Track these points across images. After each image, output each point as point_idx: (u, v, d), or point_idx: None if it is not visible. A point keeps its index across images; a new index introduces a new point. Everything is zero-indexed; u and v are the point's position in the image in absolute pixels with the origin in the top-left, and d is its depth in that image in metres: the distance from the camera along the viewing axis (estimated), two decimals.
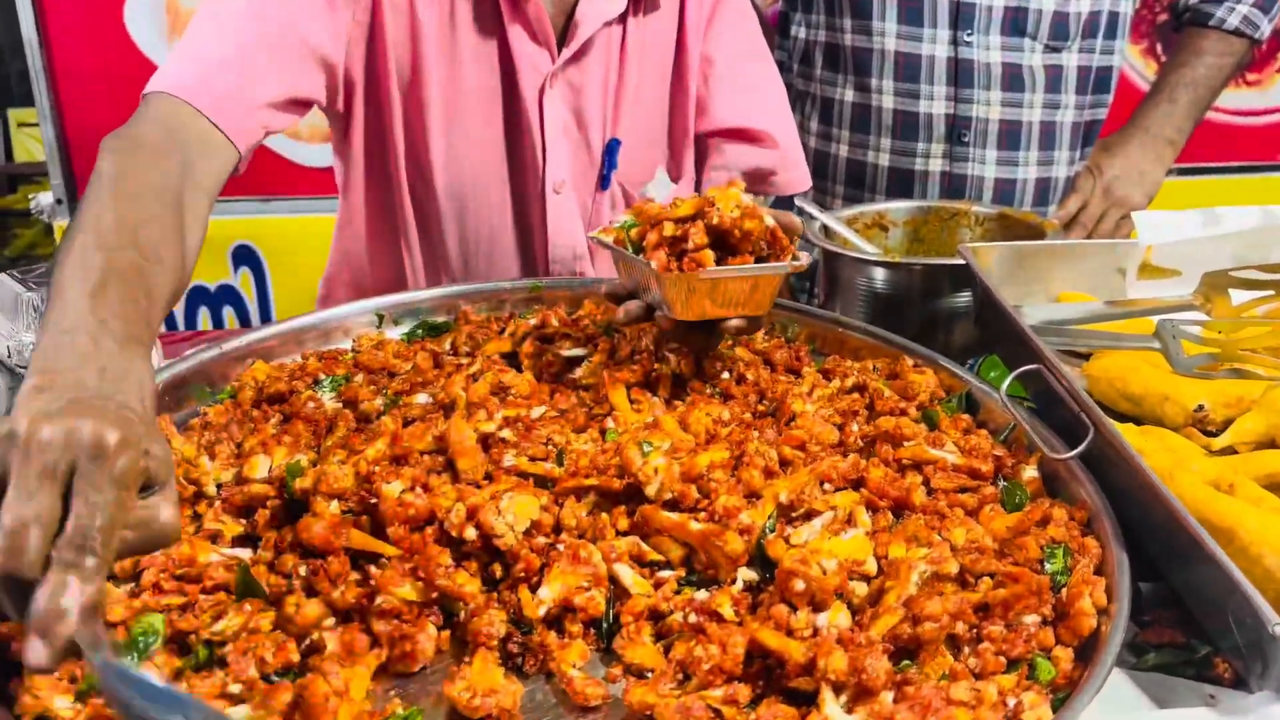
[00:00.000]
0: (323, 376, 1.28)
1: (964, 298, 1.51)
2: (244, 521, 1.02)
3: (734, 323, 1.17)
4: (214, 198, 1.24)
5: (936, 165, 2.05)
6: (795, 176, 1.74)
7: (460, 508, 0.94)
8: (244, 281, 3.04)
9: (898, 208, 1.83)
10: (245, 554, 0.98)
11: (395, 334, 1.45)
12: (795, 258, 1.14)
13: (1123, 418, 1.25)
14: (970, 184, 2.05)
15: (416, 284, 1.67)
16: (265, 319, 3.09)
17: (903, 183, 2.08)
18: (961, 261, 1.40)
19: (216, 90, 1.28)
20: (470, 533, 0.94)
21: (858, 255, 1.56)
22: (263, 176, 2.93)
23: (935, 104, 2.00)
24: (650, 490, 0.99)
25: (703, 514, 0.98)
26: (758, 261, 1.13)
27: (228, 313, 3.07)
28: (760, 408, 1.24)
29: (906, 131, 2.04)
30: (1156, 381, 1.23)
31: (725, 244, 1.13)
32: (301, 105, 1.43)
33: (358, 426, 1.16)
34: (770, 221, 1.13)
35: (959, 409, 1.24)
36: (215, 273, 3.02)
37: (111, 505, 0.69)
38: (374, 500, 0.98)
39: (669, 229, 1.12)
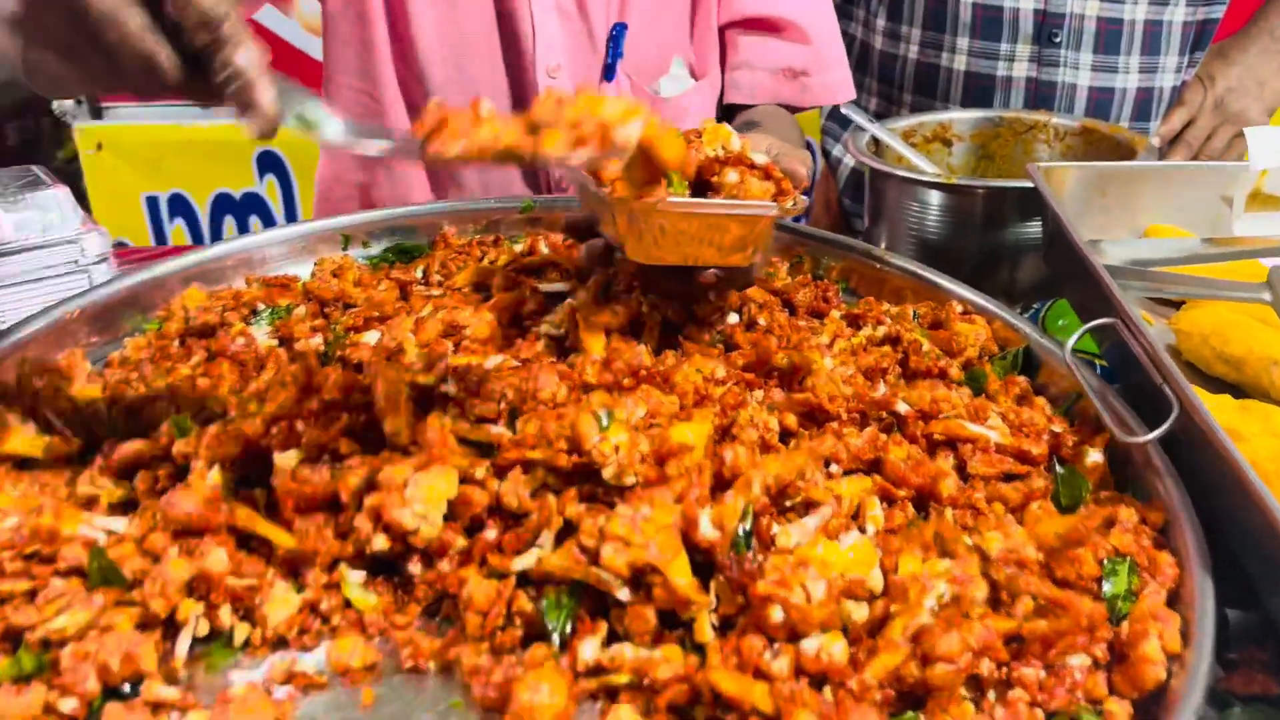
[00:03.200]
0: (261, 307, 1.10)
1: (1034, 228, 1.27)
2: (128, 484, 0.86)
3: (710, 273, 0.96)
4: None
5: (1022, 70, 1.78)
6: (833, 80, 1.51)
7: (364, 521, 0.76)
8: (270, 189, 2.90)
9: (964, 119, 1.57)
10: (122, 525, 0.81)
11: (366, 256, 1.27)
12: (794, 202, 0.94)
13: (1219, 385, 1.02)
14: (1061, 93, 1.78)
15: (404, 189, 1.50)
16: None
17: (981, 91, 1.81)
18: (1031, 184, 1.16)
19: None
20: (380, 542, 0.76)
21: (906, 174, 1.32)
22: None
23: None
24: (608, 473, 0.79)
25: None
26: None
27: (254, 221, 2.94)
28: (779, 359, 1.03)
29: (988, 30, 1.77)
30: (1264, 342, 0.99)
31: (705, 190, 0.94)
32: None
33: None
34: (762, 160, 0.93)
35: (1014, 369, 1.02)
36: (240, 180, 2.88)
37: None
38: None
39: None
